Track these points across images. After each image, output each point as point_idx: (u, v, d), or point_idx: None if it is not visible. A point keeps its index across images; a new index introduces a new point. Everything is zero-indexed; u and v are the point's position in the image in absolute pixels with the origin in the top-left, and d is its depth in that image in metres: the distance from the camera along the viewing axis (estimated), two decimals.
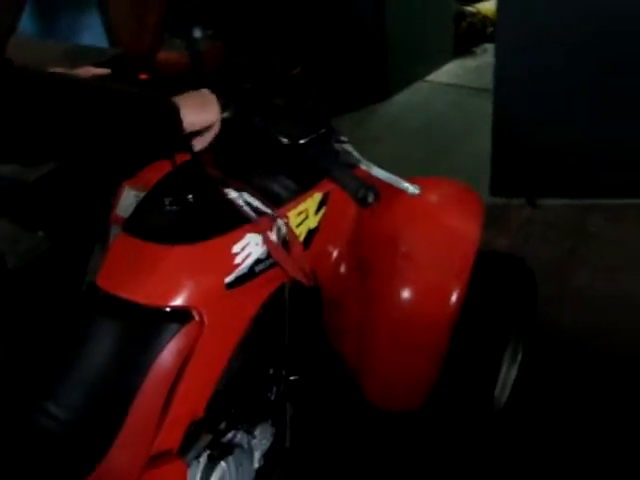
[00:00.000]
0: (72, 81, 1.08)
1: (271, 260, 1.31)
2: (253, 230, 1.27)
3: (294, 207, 1.37)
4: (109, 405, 1.11)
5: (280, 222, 1.29)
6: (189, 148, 1.20)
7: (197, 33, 3.31)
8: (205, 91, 1.21)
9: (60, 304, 1.44)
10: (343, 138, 1.27)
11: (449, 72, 4.17)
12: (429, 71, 4.12)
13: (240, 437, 1.40)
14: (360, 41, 3.67)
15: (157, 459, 1.16)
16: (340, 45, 3.60)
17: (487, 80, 3.81)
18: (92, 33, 2.55)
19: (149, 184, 1.62)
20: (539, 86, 2.60)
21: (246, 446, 1.42)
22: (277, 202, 1.33)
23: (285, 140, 1.20)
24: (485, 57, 4.19)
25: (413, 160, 3.01)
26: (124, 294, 1.18)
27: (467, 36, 4.26)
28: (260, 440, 1.47)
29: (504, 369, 1.88)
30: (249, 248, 1.27)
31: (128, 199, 1.73)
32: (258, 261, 1.29)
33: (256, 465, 1.48)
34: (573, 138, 2.67)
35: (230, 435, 1.38)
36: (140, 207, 1.31)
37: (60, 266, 2.08)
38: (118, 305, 1.17)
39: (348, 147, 1.27)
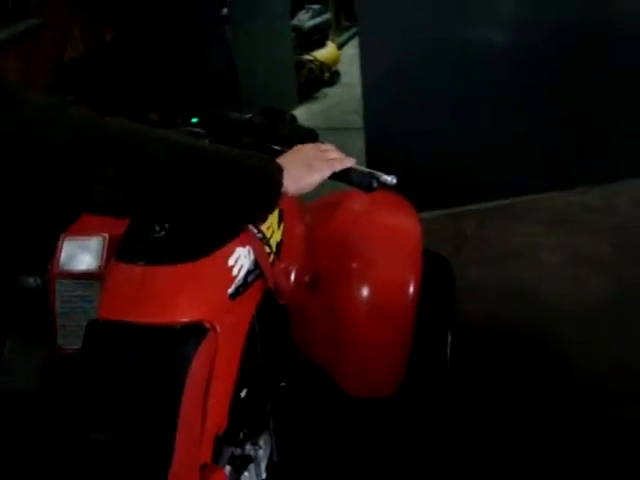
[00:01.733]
0: (184, 144, 1.08)
1: (257, 271, 1.40)
2: (240, 244, 1.36)
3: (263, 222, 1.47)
4: (157, 423, 1.12)
5: (259, 235, 1.38)
6: None
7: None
8: (309, 147, 1.24)
9: None
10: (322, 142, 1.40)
11: (298, 117, 4.42)
12: None
13: (248, 448, 1.44)
14: (216, 91, 3.82)
15: (203, 472, 1.19)
16: (198, 95, 3.72)
17: (335, 120, 4.15)
18: None
19: (89, 231, 1.65)
20: (404, 111, 2.92)
21: (255, 457, 1.46)
22: None
23: (278, 148, 1.31)
24: (327, 100, 4.52)
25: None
26: (136, 318, 1.21)
27: (308, 83, 4.57)
28: (264, 450, 1.51)
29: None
30: (241, 260, 1.35)
31: (69, 250, 1.73)
32: (249, 272, 1.37)
33: (264, 476, 1.52)
34: (439, 156, 3.00)
35: (246, 449, 1.42)
36: (128, 237, 1.34)
37: None
38: (137, 331, 1.20)
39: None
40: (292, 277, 1.64)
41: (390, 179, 1.36)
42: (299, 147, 1.26)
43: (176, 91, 3.49)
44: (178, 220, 1.17)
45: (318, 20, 4.58)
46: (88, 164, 0.94)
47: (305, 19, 4.65)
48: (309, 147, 1.26)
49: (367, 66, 2.90)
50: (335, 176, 1.27)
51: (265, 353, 1.52)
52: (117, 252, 1.31)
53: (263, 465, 1.51)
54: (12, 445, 1.55)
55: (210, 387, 1.22)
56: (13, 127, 0.90)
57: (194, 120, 1.55)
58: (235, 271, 1.33)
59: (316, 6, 4.71)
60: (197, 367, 1.19)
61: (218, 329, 1.25)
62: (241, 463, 1.36)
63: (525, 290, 2.65)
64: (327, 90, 4.58)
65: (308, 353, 1.68)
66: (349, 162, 1.28)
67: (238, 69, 3.81)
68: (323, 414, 1.86)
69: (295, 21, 4.62)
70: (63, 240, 1.69)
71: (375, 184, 1.29)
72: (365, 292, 1.63)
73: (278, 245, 1.53)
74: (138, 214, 1.11)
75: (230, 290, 1.31)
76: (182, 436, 1.12)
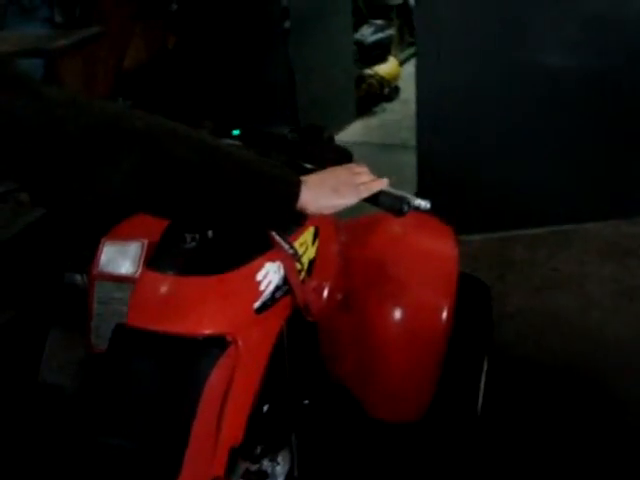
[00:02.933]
0: (207, 144, 1.10)
1: (286, 287, 1.40)
2: (270, 259, 1.36)
3: (297, 237, 1.47)
4: (171, 431, 1.14)
5: (292, 251, 1.38)
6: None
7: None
8: (343, 172, 1.24)
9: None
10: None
11: (354, 131, 4.45)
12: (335, 131, 4.37)
13: (266, 465, 1.44)
14: (273, 102, 3.87)
15: None
16: (255, 106, 3.77)
17: (391, 136, 4.13)
18: None
19: (129, 236, 1.68)
20: (456, 133, 2.89)
21: (271, 472, 1.46)
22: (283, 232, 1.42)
23: (309, 166, 1.31)
24: (385, 115, 4.51)
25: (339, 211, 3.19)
26: (160, 327, 1.23)
27: (367, 97, 4.58)
28: (282, 467, 1.51)
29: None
30: (269, 276, 1.35)
31: (110, 254, 1.77)
32: (277, 288, 1.37)
33: None
34: (489, 178, 2.95)
35: (262, 464, 1.42)
36: (161, 246, 1.36)
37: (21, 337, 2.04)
38: (159, 340, 1.22)
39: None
40: (324, 295, 1.64)
41: (424, 204, 1.34)
42: (332, 169, 1.26)
43: (233, 101, 3.55)
44: (190, 218, 1.17)
45: (380, 35, 4.59)
46: (107, 154, 0.96)
47: (368, 34, 4.66)
48: (341, 170, 1.25)
49: (422, 85, 2.88)
50: (366, 199, 1.26)
51: (291, 370, 1.53)
52: (149, 260, 1.34)
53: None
54: (33, 438, 1.59)
55: (227, 400, 1.23)
56: (39, 117, 0.92)
57: (235, 132, 1.57)
58: (263, 286, 1.33)
59: (379, 21, 4.72)
60: (215, 379, 1.20)
61: (240, 343, 1.26)
62: (256, 478, 1.36)
63: (571, 321, 2.58)
64: (386, 105, 4.57)
65: (336, 372, 1.67)
66: (379, 185, 1.27)
67: (297, 81, 3.85)
68: (346, 435, 1.84)
69: (358, 35, 4.65)
70: (103, 244, 1.74)
71: (406, 209, 1.28)
72: (397, 315, 1.61)
73: (311, 262, 1.53)
74: (150, 208, 1.11)
75: (256, 304, 1.31)
76: (193, 448, 1.13)
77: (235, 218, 1.16)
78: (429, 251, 1.70)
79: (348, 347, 1.64)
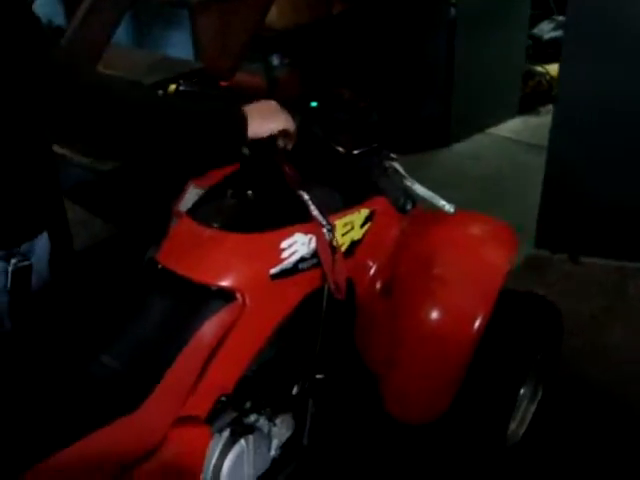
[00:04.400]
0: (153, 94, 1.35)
1: (314, 260, 1.43)
2: (302, 230, 1.40)
3: (342, 217, 1.49)
4: (152, 362, 1.23)
5: (328, 228, 1.40)
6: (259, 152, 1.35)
7: (275, 60, 3.52)
8: (272, 102, 1.37)
9: (117, 282, 1.58)
10: (393, 155, 1.39)
11: (511, 127, 4.27)
12: (492, 124, 4.23)
13: (262, 422, 1.51)
14: (427, 87, 3.82)
15: (185, 420, 1.28)
16: (408, 88, 3.75)
17: (544, 138, 3.92)
18: (180, 47, 2.76)
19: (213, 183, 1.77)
20: (593, 147, 2.69)
21: (266, 431, 1.52)
22: (328, 209, 1.45)
23: (341, 149, 1.33)
24: (549, 117, 4.26)
25: (465, 206, 3.11)
26: (179, 270, 1.32)
27: (533, 95, 4.36)
28: (280, 429, 1.56)
29: (524, 404, 1.95)
30: (296, 246, 1.39)
31: (191, 196, 1.89)
32: (302, 259, 1.41)
33: (272, 453, 1.57)
34: (623, 201, 2.73)
35: (253, 417, 1.49)
36: (204, 197, 1.45)
37: (120, 252, 2.25)
38: (173, 279, 1.31)
39: (396, 164, 1.39)
40: (366, 277, 1.65)
41: (448, 207, 1.31)
42: (259, 102, 1.37)
43: (385, 80, 3.56)
44: (148, 150, 1.30)
45: (560, 33, 4.31)
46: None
47: (546, 30, 4.40)
48: (267, 103, 1.37)
49: (565, 88, 2.71)
50: (376, 187, 1.26)
51: (308, 342, 1.57)
52: (189, 208, 1.43)
53: (275, 442, 1.56)
54: None
55: (220, 350, 1.30)
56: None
57: (313, 104, 1.61)
58: (285, 254, 1.38)
59: (563, 18, 4.42)
60: (210, 326, 1.27)
61: (248, 302, 1.32)
62: (241, 430, 1.43)
63: None
64: (551, 107, 4.32)
65: (364, 353, 1.68)
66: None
67: (457, 65, 3.76)
68: (355, 419, 1.86)
69: (536, 30, 4.40)
70: (190, 185, 1.86)
71: (409, 206, 1.26)
72: (432, 314, 1.58)
73: (354, 243, 1.55)
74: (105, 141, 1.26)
75: (273, 270, 1.36)
76: (168, 381, 1.21)
77: (193, 149, 1.31)
78: (480, 259, 1.64)
79: (380, 333, 1.64)
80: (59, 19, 2.96)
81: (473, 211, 1.80)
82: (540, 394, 1.99)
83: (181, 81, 1.54)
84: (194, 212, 1.42)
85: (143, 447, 1.21)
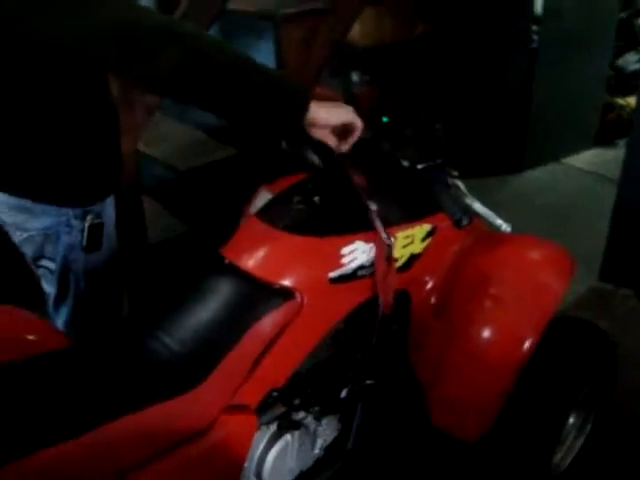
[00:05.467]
0: (237, 54, 1.31)
1: (373, 269, 1.49)
2: (364, 239, 1.46)
3: (403, 230, 1.54)
4: (210, 348, 1.31)
5: (388, 240, 1.46)
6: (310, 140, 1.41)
7: (355, 76, 3.59)
8: (342, 104, 1.42)
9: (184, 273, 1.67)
10: (454, 173, 1.44)
11: (586, 159, 4.21)
12: (566, 154, 4.18)
13: (309, 420, 1.56)
14: (504, 113, 3.83)
15: (236, 408, 1.35)
16: (485, 112, 3.76)
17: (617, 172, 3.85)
18: (264, 58, 2.86)
19: (282, 189, 1.86)
20: None
21: (312, 430, 1.58)
22: (391, 221, 1.50)
23: (405, 163, 1.38)
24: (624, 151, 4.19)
25: (531, 232, 3.10)
26: (244, 266, 1.40)
27: (612, 127, 4.28)
28: (325, 429, 1.62)
29: (571, 435, 1.94)
30: (356, 253, 1.45)
31: (261, 200, 1.98)
32: (361, 267, 1.47)
33: (316, 451, 1.63)
34: None
35: (300, 415, 1.55)
36: (273, 201, 1.53)
37: (190, 248, 2.36)
38: (237, 273, 1.39)
39: (458, 181, 1.43)
40: (426, 291, 1.69)
41: (505, 226, 1.34)
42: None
43: (461, 104, 3.58)
44: (215, 109, 1.36)
45: None
46: (160, 48, 1.20)
47: (631, 61, 4.32)
48: (340, 103, 1.42)
49: (637, 130, 2.68)
50: (435, 200, 1.30)
51: (361, 347, 1.62)
52: (258, 210, 1.51)
53: (319, 441, 1.61)
54: None
55: (275, 344, 1.37)
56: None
57: (385, 119, 1.67)
58: (345, 260, 1.44)
59: None
60: (268, 321, 1.35)
61: (306, 302, 1.39)
62: (287, 425, 1.49)
63: None
64: None
65: (415, 364, 1.72)
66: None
67: (535, 92, 3.76)
68: (402, 429, 1.88)
69: (620, 61, 4.33)
70: (261, 189, 1.95)
71: (465, 222, 1.30)
72: (482, 334, 1.61)
73: (413, 257, 1.59)
74: (187, 97, 1.32)
75: (332, 274, 1.42)
76: (223, 370, 1.29)
77: (255, 115, 1.36)
78: (536, 282, 1.66)
79: (432, 347, 1.67)
80: None
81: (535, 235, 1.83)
82: (589, 427, 1.97)
83: None
84: (262, 213, 1.50)
85: (194, 427, 1.28)
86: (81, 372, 1.27)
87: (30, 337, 1.42)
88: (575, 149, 4.21)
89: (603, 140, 4.30)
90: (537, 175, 4.02)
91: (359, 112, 1.48)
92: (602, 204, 3.42)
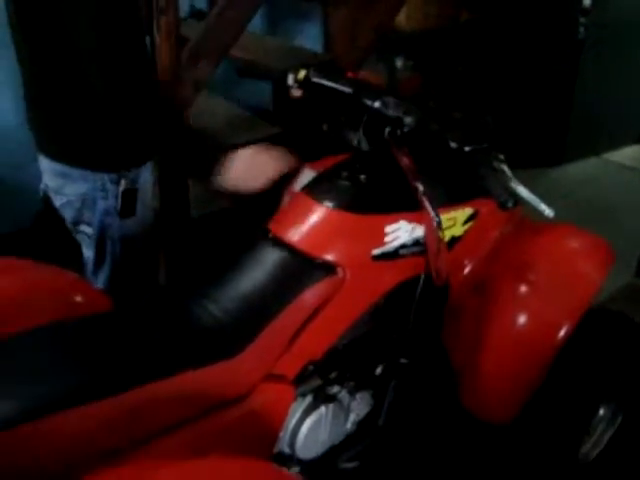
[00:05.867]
0: None
1: (414, 249, 1.51)
2: (407, 218, 1.48)
3: (447, 212, 1.56)
4: (253, 317, 1.34)
5: (437, 220, 1.47)
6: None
7: (399, 62, 3.60)
8: (265, 156, 1.64)
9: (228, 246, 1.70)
10: (501, 157, 1.45)
11: (627, 154, 4.17)
12: (608, 149, 4.15)
13: (343, 394, 1.59)
14: (547, 104, 3.80)
15: (275, 377, 1.39)
16: (527, 103, 3.74)
17: None
18: (311, 40, 2.90)
19: (324, 168, 1.88)
20: None
21: (345, 404, 1.61)
22: (435, 202, 1.51)
23: (453, 144, 1.39)
24: None
25: None
26: (288, 239, 1.43)
27: None
28: (358, 404, 1.65)
29: (601, 426, 1.95)
30: (399, 232, 1.48)
31: (305, 178, 2.01)
32: (403, 246, 1.49)
33: (348, 426, 1.66)
34: None
35: (335, 389, 1.58)
36: (320, 177, 1.56)
37: (232, 223, 2.39)
38: (282, 246, 1.43)
39: (503, 165, 1.44)
40: (462, 273, 1.70)
41: (548, 211, 1.35)
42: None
43: (502, 94, 3.57)
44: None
45: None
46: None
47: None
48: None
49: None
50: (480, 182, 1.31)
51: (398, 326, 1.64)
52: (304, 186, 1.54)
53: (352, 416, 1.65)
54: None
55: (316, 317, 1.40)
56: None
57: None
58: (388, 238, 1.47)
59: None
60: (310, 294, 1.38)
61: (348, 277, 1.42)
62: (323, 398, 1.52)
63: None
64: None
65: (448, 346, 1.74)
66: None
67: (579, 86, 3.72)
68: (433, 410, 1.90)
69: None
70: (304, 168, 1.98)
71: (510, 204, 1.31)
72: (519, 318, 1.63)
73: (454, 239, 1.61)
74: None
75: (375, 252, 1.45)
76: (264, 338, 1.32)
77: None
78: (574, 271, 1.67)
79: (467, 330, 1.69)
80: (201, 3, 3.16)
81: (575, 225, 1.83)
82: (620, 419, 1.97)
83: (312, 69, 1.65)
84: (308, 189, 1.52)
85: (234, 393, 1.32)
86: (127, 334, 1.31)
87: (76, 298, 1.47)
88: (617, 144, 4.18)
89: None
90: (577, 169, 3.99)
91: (402, 96, 1.50)
92: (612, 191, 3.40)
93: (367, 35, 2.49)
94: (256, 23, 2.98)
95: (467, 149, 1.38)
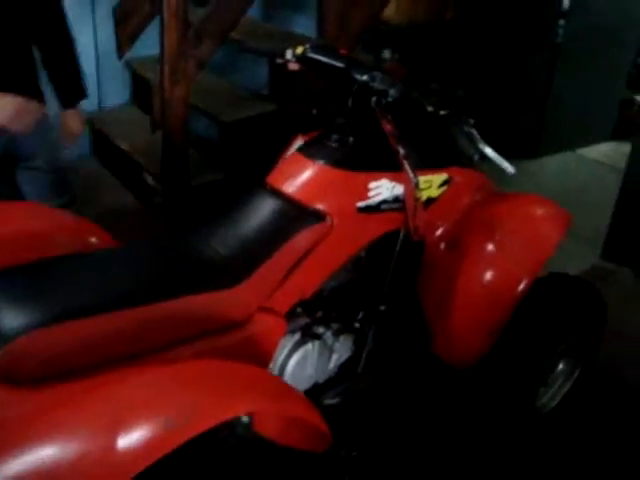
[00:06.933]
0: None
1: (394, 205, 1.71)
2: (389, 177, 1.68)
3: (424, 174, 1.76)
4: (251, 254, 1.53)
5: (415, 180, 1.67)
6: None
7: (386, 54, 3.80)
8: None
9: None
10: (471, 121, 1.64)
11: (601, 150, 4.39)
12: (582, 145, 4.37)
13: (328, 335, 1.79)
14: (523, 99, 4.02)
15: (268, 310, 1.57)
16: (504, 97, 3.96)
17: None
18: (305, 28, 3.08)
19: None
20: None
21: (329, 344, 1.80)
22: (414, 165, 1.71)
23: (430, 109, 1.59)
24: None
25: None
26: (285, 190, 1.63)
27: (630, 122, 4.47)
28: (340, 347, 1.83)
29: (559, 380, 2.16)
30: (381, 189, 1.68)
31: (295, 146, 2.19)
32: (385, 201, 1.69)
33: (331, 366, 1.85)
34: None
35: (321, 329, 1.77)
36: (312, 140, 1.75)
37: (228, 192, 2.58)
38: (278, 196, 1.62)
39: (472, 129, 1.64)
40: (437, 232, 1.90)
41: (510, 169, 1.55)
42: None
43: (484, 86, 3.77)
44: None
45: None
46: None
47: None
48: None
49: None
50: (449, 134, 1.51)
51: (378, 276, 1.84)
52: (299, 147, 1.73)
53: (335, 356, 1.83)
54: None
55: (306, 259, 1.59)
56: None
57: None
58: (372, 193, 1.66)
59: None
60: (301, 237, 1.56)
61: (335, 225, 1.61)
62: (310, 335, 1.72)
63: None
64: None
65: (423, 301, 1.93)
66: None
67: (555, 82, 3.95)
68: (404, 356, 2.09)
69: None
70: (296, 138, 2.16)
71: (476, 157, 1.51)
72: (485, 271, 1.84)
73: (430, 199, 1.81)
74: None
75: (360, 204, 1.65)
76: (264, 271, 1.51)
77: None
78: (535, 232, 1.88)
79: (439, 282, 1.89)
80: None
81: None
82: (576, 374, 2.18)
83: (309, 46, 1.84)
84: (302, 149, 1.72)
85: (231, 319, 1.50)
86: (137, 263, 1.49)
87: (90, 238, 1.67)
88: (591, 141, 4.40)
89: (620, 134, 4.48)
90: (551, 162, 4.21)
91: None
92: (612, 192, 3.62)
93: (359, 23, 2.69)
94: (253, 11, 3.18)
95: (442, 113, 1.57)
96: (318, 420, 1.37)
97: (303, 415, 1.35)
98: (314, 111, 1.89)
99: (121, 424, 1.03)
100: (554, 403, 2.17)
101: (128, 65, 3.22)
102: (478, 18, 3.85)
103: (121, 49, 3.06)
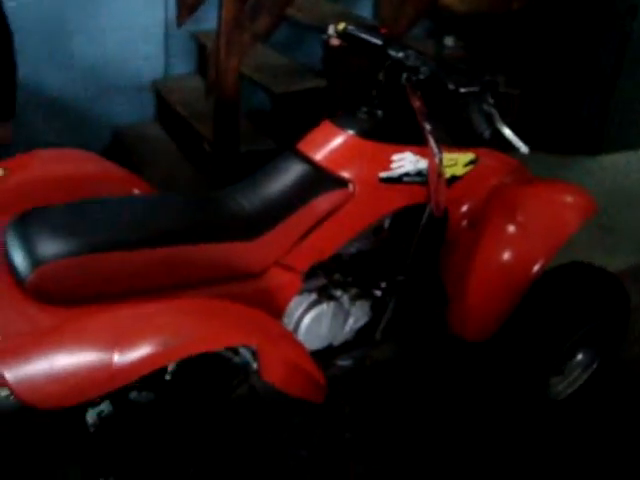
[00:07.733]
0: None
1: (417, 178, 1.78)
2: (413, 151, 1.75)
3: (450, 152, 1.82)
4: (274, 210, 1.64)
5: (439, 156, 1.74)
6: None
7: (449, 41, 3.82)
8: None
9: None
10: (491, 101, 1.69)
11: None
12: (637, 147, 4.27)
13: (344, 298, 1.87)
14: (589, 94, 3.96)
15: (285, 265, 1.67)
16: (570, 91, 3.92)
17: None
18: (362, 8, 3.15)
19: None
20: None
21: (346, 307, 1.88)
22: (440, 142, 1.77)
23: (451, 86, 1.64)
24: None
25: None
26: (312, 155, 1.73)
27: None
28: (357, 311, 1.92)
29: (578, 370, 2.18)
30: (405, 162, 1.75)
31: None
32: (407, 174, 1.77)
33: (347, 329, 1.93)
34: None
35: (338, 292, 1.86)
36: (345, 112, 1.83)
37: None
38: (305, 160, 1.72)
39: (492, 108, 1.68)
40: (462, 210, 1.96)
41: (524, 148, 1.60)
42: None
43: (551, 79, 3.74)
44: None
45: None
46: None
47: None
48: None
49: None
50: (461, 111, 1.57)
51: (401, 247, 1.91)
52: (332, 118, 1.82)
53: (351, 320, 1.91)
54: None
55: (326, 222, 1.69)
56: None
57: None
58: (394, 165, 1.74)
59: None
60: (321, 200, 1.67)
61: (357, 191, 1.70)
62: (325, 295, 1.81)
63: None
64: None
65: (443, 274, 2.00)
66: None
67: (621, 81, 3.85)
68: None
69: None
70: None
71: (487, 134, 1.56)
72: (503, 251, 1.88)
73: (455, 177, 1.87)
74: None
75: (382, 175, 1.73)
76: (283, 228, 1.62)
77: None
78: (556, 215, 1.91)
79: (459, 259, 1.95)
80: None
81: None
82: (595, 365, 2.19)
83: (350, 23, 1.92)
84: (333, 119, 1.80)
85: (249, 268, 1.61)
86: (165, 209, 1.62)
87: (131, 187, 1.82)
88: None
89: None
90: (612, 160, 4.13)
91: None
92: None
93: (416, 7, 2.73)
94: None
95: (462, 90, 1.63)
96: (314, 369, 1.47)
97: (300, 361, 1.45)
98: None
99: (124, 338, 1.17)
100: (568, 392, 2.19)
101: (195, 36, 3.36)
102: (545, 9, 3.81)
103: (180, 18, 3.17)
